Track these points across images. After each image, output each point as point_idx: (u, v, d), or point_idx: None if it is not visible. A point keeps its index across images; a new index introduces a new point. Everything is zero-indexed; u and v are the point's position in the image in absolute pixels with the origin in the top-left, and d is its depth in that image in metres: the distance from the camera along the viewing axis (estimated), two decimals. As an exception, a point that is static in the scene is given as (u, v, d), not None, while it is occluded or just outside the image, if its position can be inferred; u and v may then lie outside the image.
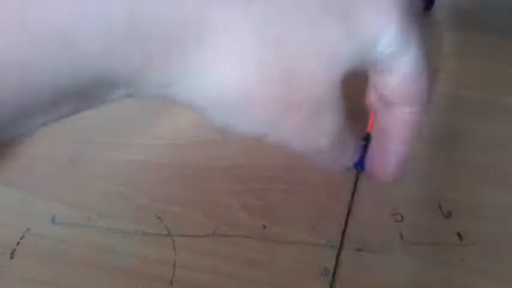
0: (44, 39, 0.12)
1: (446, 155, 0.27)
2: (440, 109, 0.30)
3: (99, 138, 0.29)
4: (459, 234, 0.24)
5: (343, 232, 0.24)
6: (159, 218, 0.25)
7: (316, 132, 0.17)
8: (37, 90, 0.12)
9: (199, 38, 0.14)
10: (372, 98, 0.21)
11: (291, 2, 0.14)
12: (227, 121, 0.16)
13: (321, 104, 0.16)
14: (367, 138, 0.26)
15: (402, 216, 0.25)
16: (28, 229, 0.25)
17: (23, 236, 0.25)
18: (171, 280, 0.23)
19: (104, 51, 0.13)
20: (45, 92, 0.13)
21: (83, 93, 0.14)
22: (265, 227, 0.25)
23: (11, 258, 0.24)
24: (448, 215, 0.25)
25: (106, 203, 0.26)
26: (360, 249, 0.24)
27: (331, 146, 0.18)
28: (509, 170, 0.26)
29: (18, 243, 0.25)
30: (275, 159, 0.27)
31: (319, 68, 0.15)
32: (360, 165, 0.25)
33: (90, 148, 0.29)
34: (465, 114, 0.29)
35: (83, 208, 0.26)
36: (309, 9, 0.15)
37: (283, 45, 0.15)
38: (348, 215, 0.25)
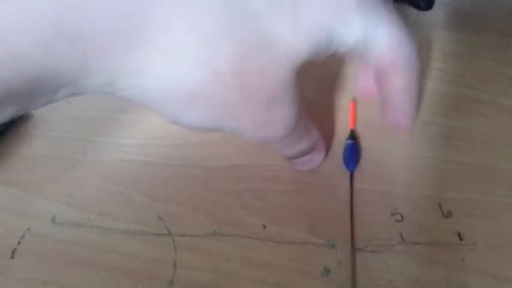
0: None
1: (446, 155, 0.27)
2: (441, 109, 0.30)
3: (99, 138, 0.29)
4: (459, 234, 0.24)
5: (352, 233, 0.24)
6: (159, 217, 0.25)
7: (270, 123, 0.18)
8: None
9: (140, 37, 0.13)
10: (361, 82, 0.23)
11: None
12: (175, 117, 0.16)
13: (272, 96, 0.17)
14: (351, 136, 0.27)
15: (402, 216, 0.25)
16: (28, 229, 0.25)
17: (23, 235, 0.25)
18: (171, 280, 0.23)
19: (40, 53, 0.12)
20: None
21: (26, 94, 0.14)
22: (265, 227, 0.25)
23: (12, 257, 0.24)
24: (448, 215, 0.25)
25: (106, 203, 0.26)
26: (359, 249, 0.24)
27: (288, 135, 0.19)
28: (510, 169, 0.26)
29: (18, 242, 0.25)
30: (275, 159, 0.27)
31: (269, 62, 0.16)
32: (349, 165, 0.26)
33: (90, 148, 0.29)
34: (465, 114, 0.29)
35: (83, 208, 0.26)
36: (256, 3, 0.15)
37: (229, 41, 0.14)
38: (351, 216, 0.25)
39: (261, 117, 0.17)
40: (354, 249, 0.24)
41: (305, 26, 0.16)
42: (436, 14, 0.36)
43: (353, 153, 0.27)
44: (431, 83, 0.31)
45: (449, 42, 0.34)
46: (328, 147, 0.27)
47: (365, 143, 0.28)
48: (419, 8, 0.35)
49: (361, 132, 0.28)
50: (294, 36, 0.16)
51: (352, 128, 0.28)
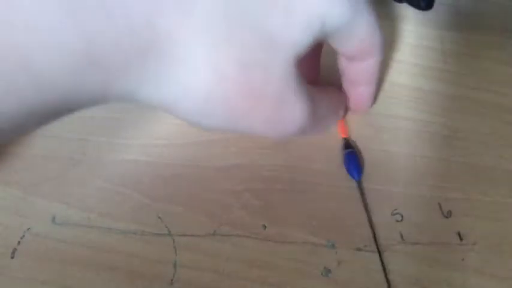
0: (6, 67, 0.12)
1: (446, 155, 0.27)
2: (441, 109, 0.30)
3: (99, 138, 0.29)
4: (459, 234, 0.24)
5: (374, 237, 0.24)
6: (159, 218, 0.25)
7: (281, 120, 0.18)
8: (6, 114, 0.13)
9: (151, 51, 0.14)
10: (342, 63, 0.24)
11: (232, 1, 0.15)
12: (198, 121, 0.17)
13: (280, 91, 0.17)
14: (346, 145, 0.27)
15: (402, 216, 0.25)
16: (28, 229, 0.25)
17: (23, 236, 0.25)
18: (171, 280, 0.23)
19: (64, 77, 0.13)
20: (13, 116, 0.13)
21: (50, 113, 0.14)
22: (265, 227, 0.25)
23: (12, 257, 0.24)
24: (448, 215, 0.25)
25: (106, 203, 0.26)
26: (359, 249, 0.24)
27: (309, 124, 0.20)
28: (510, 170, 0.27)
29: (18, 242, 0.25)
30: (275, 159, 0.27)
31: (270, 59, 0.16)
32: (354, 174, 0.26)
33: (90, 148, 0.29)
34: (465, 114, 0.29)
35: (83, 208, 0.26)
36: (251, 5, 0.15)
37: (232, 44, 0.15)
38: (370, 221, 0.25)
39: (270, 115, 0.18)
40: (380, 252, 0.24)
41: (299, 16, 0.16)
42: (436, 14, 0.36)
43: (354, 161, 0.26)
44: (431, 83, 0.31)
45: (449, 42, 0.34)
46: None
47: (364, 143, 0.28)
48: (419, 8, 0.35)
49: (360, 132, 0.28)
50: (290, 29, 0.16)
51: (344, 136, 0.27)
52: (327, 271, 0.23)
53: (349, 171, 0.26)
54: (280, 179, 0.27)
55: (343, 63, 0.24)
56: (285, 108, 0.18)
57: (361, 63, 0.22)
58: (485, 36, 0.34)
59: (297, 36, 0.17)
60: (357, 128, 0.29)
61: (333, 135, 0.29)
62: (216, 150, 0.28)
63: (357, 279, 0.23)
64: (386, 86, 0.31)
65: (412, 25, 0.35)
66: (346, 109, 0.27)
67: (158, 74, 0.15)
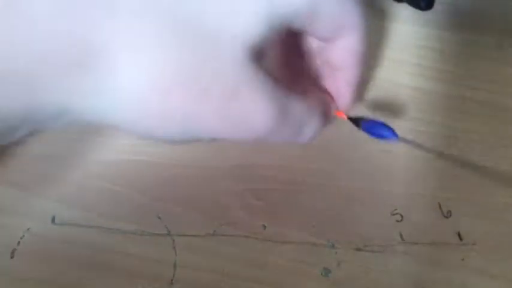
0: None
1: (446, 155, 0.27)
2: (441, 109, 0.30)
3: (99, 138, 0.29)
4: (459, 234, 0.24)
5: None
6: (159, 218, 0.25)
7: (242, 118, 0.16)
8: None
9: (83, 62, 0.13)
10: (316, 62, 0.23)
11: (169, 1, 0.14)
12: (150, 134, 0.16)
13: (233, 87, 0.16)
14: (356, 120, 0.24)
15: (402, 216, 0.25)
16: (28, 229, 0.25)
17: (23, 236, 0.25)
18: (171, 280, 0.23)
19: None
20: None
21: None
22: (265, 227, 0.25)
23: (12, 257, 0.24)
24: (448, 215, 0.25)
25: (106, 203, 0.26)
26: (359, 249, 0.24)
27: (269, 128, 0.17)
28: (510, 170, 0.27)
29: (18, 243, 0.25)
30: (275, 159, 0.27)
31: (215, 52, 0.15)
32: (388, 135, 0.23)
33: (90, 148, 0.29)
34: (465, 114, 0.29)
35: (82, 208, 0.26)
36: (192, 3, 0.14)
37: (176, 50, 0.14)
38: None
39: (230, 116, 0.16)
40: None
41: (243, 3, 0.15)
42: (436, 14, 0.36)
43: (378, 124, 0.23)
44: (431, 83, 0.31)
45: (449, 42, 0.34)
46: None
47: (364, 143, 0.28)
48: (419, 8, 0.35)
49: (362, 132, 0.28)
50: (234, 18, 0.15)
51: (347, 116, 0.24)
52: (327, 271, 0.23)
53: (381, 136, 0.23)
54: (280, 179, 0.27)
55: (320, 45, 0.21)
56: (242, 106, 0.16)
57: (339, 42, 0.20)
58: (485, 36, 0.34)
59: (244, 25, 0.15)
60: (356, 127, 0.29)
61: (333, 135, 0.29)
62: (216, 150, 0.28)
63: (357, 279, 0.23)
64: (386, 86, 0.31)
65: (412, 25, 0.35)
66: (331, 114, 0.24)
67: (94, 89, 0.14)
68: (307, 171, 0.27)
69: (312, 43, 0.22)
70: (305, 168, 0.27)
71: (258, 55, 0.16)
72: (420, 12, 0.36)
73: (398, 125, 0.29)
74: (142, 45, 0.14)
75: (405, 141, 0.24)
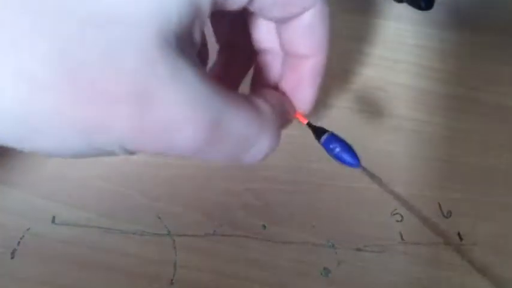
0: None
1: (446, 155, 0.27)
2: (441, 109, 0.30)
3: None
4: (459, 234, 0.24)
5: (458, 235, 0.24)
6: (159, 218, 0.25)
7: (166, 130, 0.13)
8: None
9: None
10: (266, 41, 0.19)
11: None
12: (39, 148, 0.13)
13: (147, 89, 0.12)
14: (318, 130, 0.20)
15: (402, 216, 0.25)
16: (28, 229, 0.25)
17: (23, 236, 0.25)
18: (171, 280, 0.23)
19: None
20: None
21: None
22: (265, 227, 0.25)
23: (12, 258, 0.24)
24: (448, 215, 0.25)
25: (106, 203, 0.26)
26: (359, 249, 0.24)
27: (204, 141, 0.14)
28: (510, 170, 0.26)
29: (18, 243, 0.25)
30: (275, 159, 0.27)
31: (111, 49, 0.11)
32: (351, 162, 0.20)
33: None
34: (465, 114, 0.29)
35: (83, 208, 0.26)
36: None
37: (45, 40, 0.11)
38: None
39: (145, 126, 0.12)
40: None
41: None
42: (436, 14, 0.36)
43: (341, 144, 0.20)
44: (431, 83, 0.31)
45: (449, 42, 0.34)
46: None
47: (364, 143, 0.28)
48: (419, 8, 0.35)
49: (361, 132, 0.28)
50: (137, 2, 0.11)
51: (305, 122, 0.20)
52: (327, 271, 0.23)
53: (343, 160, 0.20)
54: (280, 179, 0.27)
55: (272, 30, 0.18)
56: (160, 113, 0.12)
57: (296, 21, 0.16)
58: (485, 36, 0.34)
59: (153, 2, 0.12)
60: (356, 126, 0.29)
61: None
62: (216, 150, 0.28)
63: (357, 279, 0.23)
64: (386, 86, 0.31)
65: (412, 25, 0.35)
66: (288, 119, 0.19)
67: None
68: (307, 171, 0.27)
69: (262, 30, 0.19)
70: (305, 168, 0.27)
71: (181, 44, 0.13)
72: (420, 12, 0.36)
73: (399, 125, 0.29)
74: (16, 37, 0.11)
75: (366, 172, 0.20)
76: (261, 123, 0.15)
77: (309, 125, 0.20)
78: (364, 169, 0.20)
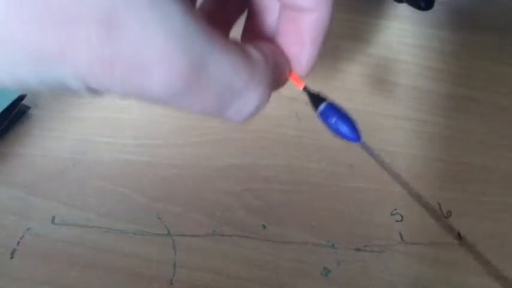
0: None
1: (446, 155, 0.27)
2: (440, 109, 0.30)
3: (99, 138, 0.29)
4: (459, 234, 0.24)
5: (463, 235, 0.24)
6: (159, 218, 0.25)
7: (137, 68, 0.11)
8: None
9: None
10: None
11: None
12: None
13: (115, 14, 0.10)
14: (315, 98, 0.17)
15: (402, 216, 0.25)
16: (28, 229, 0.25)
17: (23, 236, 0.25)
18: (171, 280, 0.23)
19: None
20: None
21: None
22: (265, 227, 0.25)
23: (11, 258, 0.24)
24: (448, 215, 0.25)
25: (106, 203, 0.26)
26: (359, 249, 0.24)
27: (182, 86, 0.11)
28: (510, 170, 0.27)
29: (18, 243, 0.25)
30: (275, 159, 0.27)
31: None
32: (351, 136, 0.18)
33: (90, 148, 0.29)
34: (465, 114, 0.29)
35: (82, 208, 0.26)
36: None
37: None
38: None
39: (111, 61, 0.11)
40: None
41: None
42: (436, 14, 0.36)
43: (341, 116, 0.17)
44: (431, 83, 0.31)
45: (449, 42, 0.34)
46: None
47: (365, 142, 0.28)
48: (419, 8, 0.35)
49: (361, 132, 0.28)
50: None
51: (302, 86, 0.17)
52: (327, 271, 0.23)
53: (339, 132, 0.17)
54: (280, 179, 0.27)
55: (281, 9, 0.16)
56: (129, 46, 0.10)
57: (308, 14, 0.15)
58: (485, 36, 0.34)
59: None
60: (358, 126, 0.29)
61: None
62: (216, 150, 0.28)
63: (357, 279, 0.23)
64: (386, 86, 0.31)
65: (412, 25, 0.35)
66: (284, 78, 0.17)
67: None
68: (307, 171, 0.27)
69: None
70: (305, 168, 0.27)
71: None
72: (420, 12, 0.36)
73: (399, 125, 0.29)
74: None
75: (366, 148, 0.18)
76: (252, 73, 0.13)
77: (306, 90, 0.17)
78: (364, 145, 0.18)
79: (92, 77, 0.11)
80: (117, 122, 0.30)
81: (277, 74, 0.15)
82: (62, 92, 0.12)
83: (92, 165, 0.28)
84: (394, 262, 0.23)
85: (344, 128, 0.17)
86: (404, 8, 0.36)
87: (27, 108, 0.30)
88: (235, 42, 0.13)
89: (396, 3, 0.36)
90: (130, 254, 0.24)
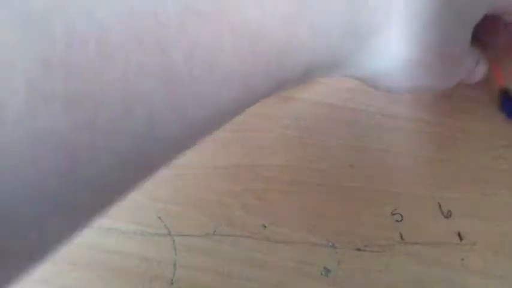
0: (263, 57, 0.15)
1: (446, 155, 0.27)
2: (441, 109, 0.30)
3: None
4: (459, 234, 0.24)
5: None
6: (159, 218, 0.25)
7: (456, 73, 0.21)
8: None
9: (371, 26, 0.17)
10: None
11: None
12: (397, 86, 0.20)
13: (461, 53, 0.20)
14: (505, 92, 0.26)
15: (402, 216, 0.25)
16: (28, 229, 0.25)
17: (23, 236, 0.25)
18: (171, 280, 0.23)
19: (323, 49, 0.16)
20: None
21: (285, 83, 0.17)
22: (265, 227, 0.25)
23: (11, 258, 0.24)
24: (448, 215, 0.25)
25: (106, 203, 0.26)
26: (359, 249, 0.24)
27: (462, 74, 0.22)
28: (509, 170, 0.26)
29: (18, 243, 0.25)
30: (275, 159, 0.27)
31: (459, 29, 0.19)
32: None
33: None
34: (465, 114, 0.29)
35: (83, 208, 0.26)
36: None
37: (436, 26, 0.17)
38: None
39: (450, 71, 0.20)
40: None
41: None
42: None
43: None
44: (431, 83, 0.31)
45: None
46: None
47: (364, 143, 0.28)
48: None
49: (361, 132, 0.28)
50: (474, 8, 0.19)
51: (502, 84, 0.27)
52: (327, 271, 0.23)
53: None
54: (280, 179, 0.27)
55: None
56: (463, 61, 0.21)
57: None
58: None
59: (478, 11, 0.19)
60: (357, 126, 0.29)
61: (333, 135, 0.29)
62: (216, 150, 0.28)
63: (357, 279, 0.23)
64: (386, 86, 0.31)
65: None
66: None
67: (374, 48, 0.17)
68: (307, 171, 0.27)
69: None
70: (305, 168, 0.27)
71: None
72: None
73: (399, 125, 0.29)
74: (410, 19, 0.17)
75: None
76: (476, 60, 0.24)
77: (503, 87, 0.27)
78: None
79: (441, 86, 0.24)
80: (117, 122, 0.30)
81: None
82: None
83: (92, 165, 0.28)
84: (394, 262, 0.23)
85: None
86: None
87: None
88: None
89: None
90: (130, 254, 0.24)
